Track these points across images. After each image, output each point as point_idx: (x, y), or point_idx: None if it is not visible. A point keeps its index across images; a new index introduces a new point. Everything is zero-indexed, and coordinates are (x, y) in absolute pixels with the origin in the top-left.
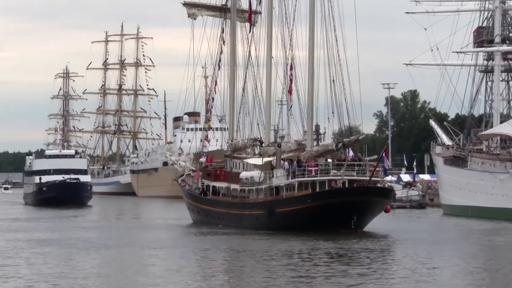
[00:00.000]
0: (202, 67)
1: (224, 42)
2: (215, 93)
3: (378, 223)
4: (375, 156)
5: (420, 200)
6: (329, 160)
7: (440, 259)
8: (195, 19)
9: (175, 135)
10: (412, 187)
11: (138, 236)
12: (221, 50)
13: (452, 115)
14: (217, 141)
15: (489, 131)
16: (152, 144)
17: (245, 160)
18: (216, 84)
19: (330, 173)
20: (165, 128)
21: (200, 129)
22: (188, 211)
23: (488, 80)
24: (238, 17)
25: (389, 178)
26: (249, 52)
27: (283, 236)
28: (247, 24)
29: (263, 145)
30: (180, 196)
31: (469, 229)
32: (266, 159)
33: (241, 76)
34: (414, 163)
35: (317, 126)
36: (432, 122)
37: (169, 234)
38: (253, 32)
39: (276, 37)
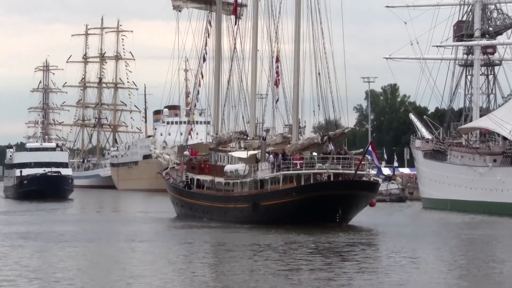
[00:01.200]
0: (184, 61)
1: (209, 35)
2: (200, 86)
3: (359, 217)
4: (361, 150)
5: (400, 194)
6: (314, 153)
7: (420, 252)
8: (180, 11)
9: (155, 129)
10: (392, 181)
11: (121, 229)
12: (206, 43)
13: (432, 109)
14: (197, 134)
15: (469, 124)
16: (132, 137)
17: (229, 153)
18: (202, 77)
19: (315, 166)
20: (145, 122)
21: (181, 123)
22: (172, 204)
23: (467, 74)
24: (224, 9)
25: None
26: (235, 45)
27: (268, 230)
28: (233, 17)
29: (248, 138)
30: (161, 189)
31: (448, 223)
32: (251, 152)
33: (226, 69)
34: (394, 157)
35: (297, 120)
36: (412, 116)
37: (152, 228)
38: (238, 25)
39: (262, 30)
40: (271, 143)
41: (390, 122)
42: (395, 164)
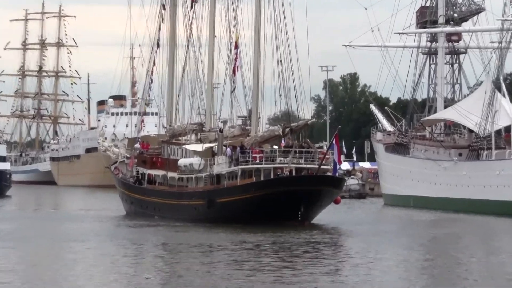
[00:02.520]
0: (130, 48)
1: (163, 20)
2: (152, 74)
3: (321, 215)
4: (325, 143)
5: (360, 190)
6: (275, 146)
7: (382, 252)
8: None
9: (99, 120)
10: (352, 176)
11: (61, 228)
12: (160, 29)
13: (393, 100)
14: (144, 126)
15: (433, 116)
16: (74, 129)
17: (184, 146)
18: (154, 65)
19: (276, 160)
20: (89, 113)
21: (126, 114)
22: (121, 201)
23: (431, 62)
24: None
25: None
26: (190, 31)
27: (224, 229)
28: (189, 1)
29: (204, 130)
30: (106, 185)
31: (410, 220)
32: (207, 145)
33: (182, 57)
34: (354, 150)
35: (250, 111)
36: (373, 107)
37: (97, 226)
38: (195, 9)
39: (220, 15)
40: (229, 135)
41: (349, 113)
42: (355, 158)
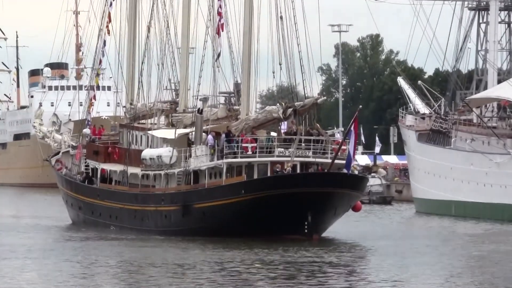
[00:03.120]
0: None
1: None
2: (108, 34)
3: (335, 227)
4: (340, 129)
5: (383, 193)
6: (273, 133)
7: (416, 277)
8: None
9: (32, 96)
10: (373, 174)
11: None
12: None
13: (429, 72)
14: (81, 105)
15: (482, 94)
16: None
17: (149, 132)
18: (109, 21)
19: (274, 152)
20: (18, 86)
21: (69, 88)
22: (65, 206)
23: (481, 21)
24: None
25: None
26: None
27: (203, 244)
28: None
29: (177, 110)
30: (43, 184)
31: (451, 234)
32: (181, 130)
33: (146, 10)
34: (376, 140)
35: (237, 85)
36: (401, 81)
37: (33, 240)
38: None
39: None
40: (211, 117)
41: (369, 89)
42: (377, 150)
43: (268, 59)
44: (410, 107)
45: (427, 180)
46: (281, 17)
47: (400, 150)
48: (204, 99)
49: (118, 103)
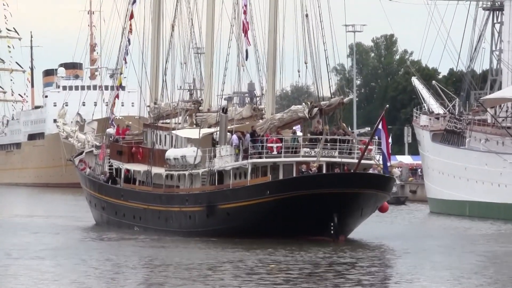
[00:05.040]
0: None
1: None
2: (131, 33)
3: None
4: (367, 129)
5: (397, 193)
6: (299, 133)
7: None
8: None
9: (46, 96)
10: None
11: (5, 241)
12: None
13: (444, 72)
14: (107, 105)
15: (497, 94)
16: (13, 108)
17: (173, 132)
18: (131, 18)
19: (299, 152)
20: (32, 86)
21: (83, 88)
22: (88, 206)
23: (495, 21)
24: None
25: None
26: None
27: (228, 245)
28: None
29: (201, 110)
30: (59, 184)
31: (465, 235)
32: (205, 130)
33: (170, 9)
34: (389, 140)
35: (251, 85)
36: (416, 81)
37: (56, 240)
38: None
39: None
40: (235, 117)
41: (384, 89)
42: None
43: (293, 57)
44: (424, 107)
45: (441, 180)
46: (306, 15)
47: (414, 150)
48: (229, 99)
49: (133, 103)
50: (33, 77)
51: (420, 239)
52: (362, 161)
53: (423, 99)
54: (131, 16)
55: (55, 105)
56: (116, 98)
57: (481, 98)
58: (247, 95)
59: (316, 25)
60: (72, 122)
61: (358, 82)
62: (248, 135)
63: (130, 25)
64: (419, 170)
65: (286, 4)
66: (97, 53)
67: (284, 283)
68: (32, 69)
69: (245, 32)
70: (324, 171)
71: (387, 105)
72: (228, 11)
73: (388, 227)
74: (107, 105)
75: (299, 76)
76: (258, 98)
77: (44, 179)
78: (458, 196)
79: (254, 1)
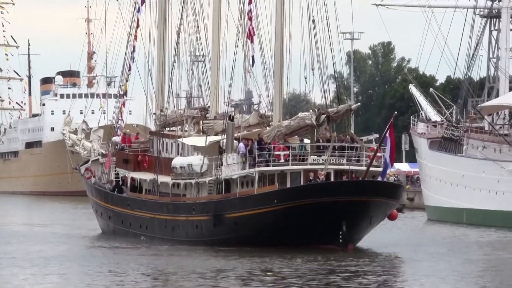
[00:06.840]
0: (86, 6)
1: None
2: (136, 40)
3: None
4: (375, 136)
5: None
6: (306, 140)
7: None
8: None
9: (44, 104)
10: None
11: (6, 250)
12: None
13: (441, 79)
14: (104, 112)
15: (494, 101)
16: (11, 116)
17: (180, 139)
18: (137, 26)
19: (307, 160)
20: (29, 94)
21: (80, 96)
22: (94, 215)
23: (492, 29)
24: None
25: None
26: None
27: (236, 254)
28: None
29: (208, 117)
30: (55, 192)
31: (462, 242)
32: (212, 138)
33: (176, 16)
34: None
35: (249, 93)
36: (413, 89)
37: (61, 249)
38: None
39: None
40: (242, 124)
41: (381, 97)
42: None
43: (300, 64)
44: (421, 114)
45: (439, 187)
46: (313, 21)
47: (411, 157)
48: (236, 106)
49: (130, 111)
50: (31, 85)
51: (428, 247)
52: (371, 169)
53: (421, 106)
54: (137, 25)
55: (52, 113)
56: (122, 106)
57: (479, 106)
58: (245, 103)
59: (324, 32)
60: (77, 129)
61: (356, 89)
62: (255, 143)
63: (135, 32)
64: (416, 177)
65: (293, 10)
66: (95, 61)
67: None
68: (29, 77)
69: (251, 38)
70: (332, 179)
71: (396, 112)
72: (234, 17)
73: (391, 235)
74: (104, 113)
75: (306, 83)
76: (256, 106)
77: (42, 187)
78: (456, 203)
79: (261, 7)
